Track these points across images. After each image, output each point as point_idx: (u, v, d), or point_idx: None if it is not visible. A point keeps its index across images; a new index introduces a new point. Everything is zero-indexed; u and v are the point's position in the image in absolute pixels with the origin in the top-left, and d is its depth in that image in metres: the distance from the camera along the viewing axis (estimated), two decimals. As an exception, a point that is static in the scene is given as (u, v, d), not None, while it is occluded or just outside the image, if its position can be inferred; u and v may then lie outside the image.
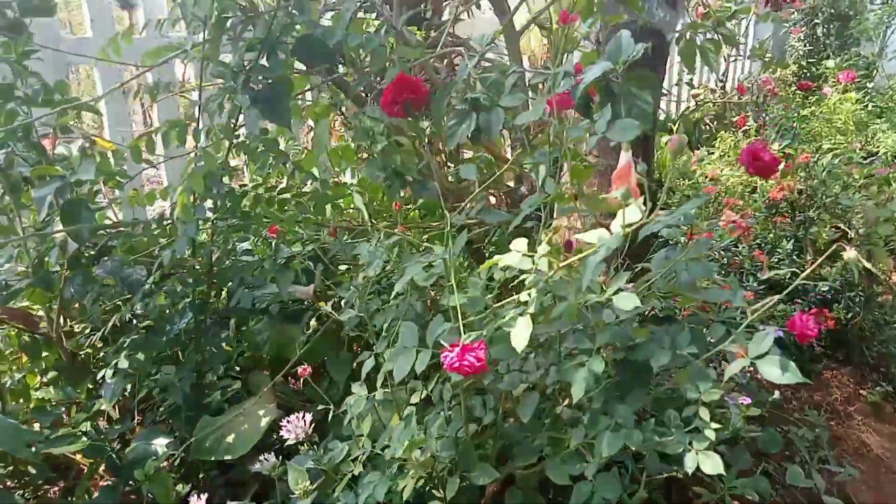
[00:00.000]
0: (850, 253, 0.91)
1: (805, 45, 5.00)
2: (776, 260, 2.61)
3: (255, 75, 1.24)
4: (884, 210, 2.16)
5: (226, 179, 1.44)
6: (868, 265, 2.09)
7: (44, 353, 1.80)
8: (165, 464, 1.68)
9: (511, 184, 1.91)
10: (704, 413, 0.90)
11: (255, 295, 1.54)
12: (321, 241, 1.52)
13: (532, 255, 0.90)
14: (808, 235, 2.56)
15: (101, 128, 2.54)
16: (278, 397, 1.72)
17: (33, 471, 1.65)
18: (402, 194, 1.18)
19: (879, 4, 4.96)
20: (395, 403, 1.27)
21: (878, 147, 3.70)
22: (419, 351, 1.05)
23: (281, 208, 1.55)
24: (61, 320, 1.78)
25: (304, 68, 1.48)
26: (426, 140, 1.54)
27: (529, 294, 0.86)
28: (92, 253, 1.64)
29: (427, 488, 1.14)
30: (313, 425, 1.30)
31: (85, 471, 1.69)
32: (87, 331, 1.85)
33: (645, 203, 0.87)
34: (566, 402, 1.02)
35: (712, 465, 0.89)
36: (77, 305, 1.86)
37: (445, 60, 1.92)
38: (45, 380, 1.83)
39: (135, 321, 1.75)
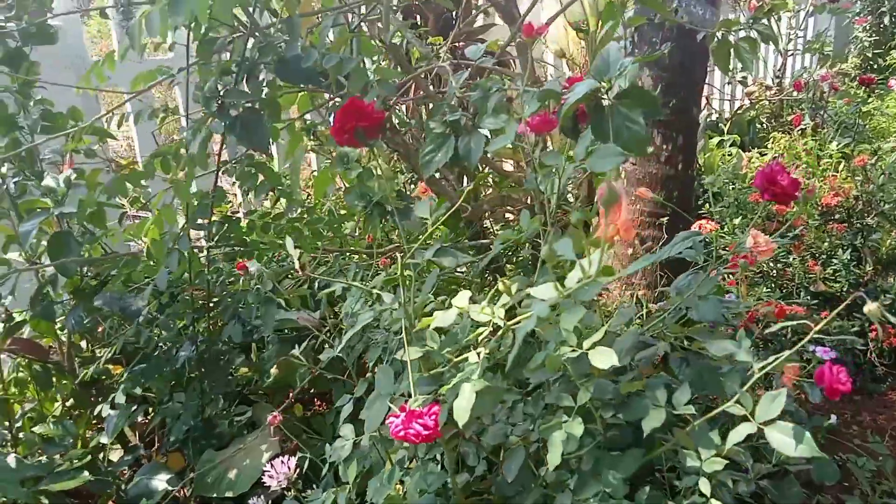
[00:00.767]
0: None
1: (870, 36, 4.67)
2: (831, 271, 2.40)
3: (231, 100, 1.17)
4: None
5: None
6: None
7: (62, 381, 1.79)
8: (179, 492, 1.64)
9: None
10: (705, 486, 0.77)
11: (250, 325, 1.48)
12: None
13: (492, 304, 0.78)
14: (868, 244, 2.35)
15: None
16: (282, 429, 1.66)
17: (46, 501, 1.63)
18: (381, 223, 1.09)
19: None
20: (383, 447, 1.17)
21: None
22: (394, 398, 0.96)
23: (277, 234, 1.48)
24: (71, 349, 1.77)
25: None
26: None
27: (479, 354, 0.75)
28: (94, 283, 1.61)
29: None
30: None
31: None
32: (109, 355, 1.84)
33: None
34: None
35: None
36: (101, 329, 1.85)
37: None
38: (66, 405, 1.83)
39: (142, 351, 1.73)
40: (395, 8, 1.72)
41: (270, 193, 1.40)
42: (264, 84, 1.23)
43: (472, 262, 0.94)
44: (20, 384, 1.87)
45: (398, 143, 1.54)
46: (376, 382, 0.99)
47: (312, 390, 1.96)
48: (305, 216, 1.46)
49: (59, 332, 1.79)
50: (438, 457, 1.10)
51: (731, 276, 1.96)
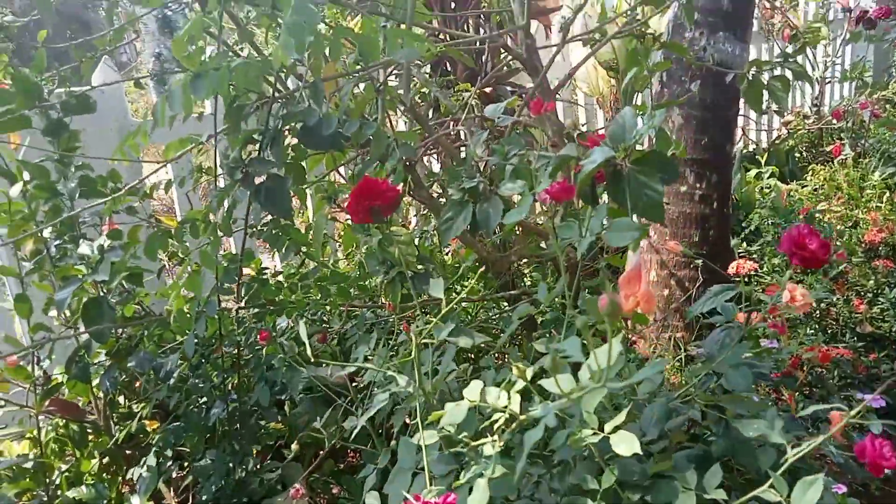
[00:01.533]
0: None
1: (912, 61, 4.56)
2: (878, 310, 2.30)
3: (255, 169, 1.19)
4: None
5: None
6: None
7: (99, 439, 1.82)
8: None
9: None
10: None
11: (279, 386, 1.48)
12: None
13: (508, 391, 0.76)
14: (917, 281, 2.26)
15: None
16: (312, 489, 1.65)
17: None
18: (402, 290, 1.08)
19: None
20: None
21: None
22: (415, 474, 0.94)
23: (305, 292, 1.49)
24: (107, 407, 1.79)
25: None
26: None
27: (493, 445, 0.73)
28: (127, 342, 1.64)
29: None
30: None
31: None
32: (145, 412, 1.86)
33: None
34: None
35: None
36: (138, 384, 1.88)
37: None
38: (103, 463, 1.85)
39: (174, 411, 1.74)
40: (420, 63, 1.74)
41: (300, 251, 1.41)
42: (289, 149, 1.24)
43: (500, 315, 0.92)
44: (59, 441, 1.90)
45: (424, 198, 1.54)
46: (398, 455, 0.97)
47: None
48: (330, 273, 1.46)
49: (94, 389, 1.83)
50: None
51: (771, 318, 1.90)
